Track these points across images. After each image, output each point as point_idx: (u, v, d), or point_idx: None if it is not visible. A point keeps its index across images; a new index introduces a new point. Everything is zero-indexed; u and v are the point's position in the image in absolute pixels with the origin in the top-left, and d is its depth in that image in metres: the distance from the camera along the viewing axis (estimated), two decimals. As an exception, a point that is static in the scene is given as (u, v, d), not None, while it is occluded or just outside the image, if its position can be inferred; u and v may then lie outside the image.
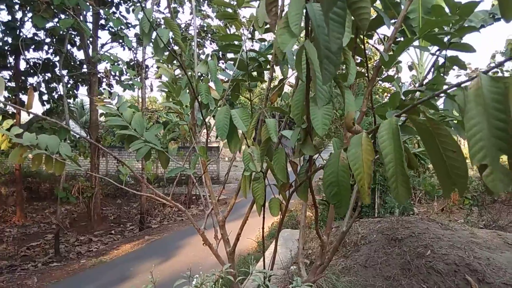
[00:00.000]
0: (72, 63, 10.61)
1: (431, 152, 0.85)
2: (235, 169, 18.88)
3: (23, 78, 9.99)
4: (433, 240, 4.21)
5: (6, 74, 10.07)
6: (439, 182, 0.86)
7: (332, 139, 1.48)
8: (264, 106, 2.16)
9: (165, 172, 2.89)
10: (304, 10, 0.89)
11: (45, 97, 9.97)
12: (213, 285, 1.97)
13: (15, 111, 9.65)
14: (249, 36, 2.41)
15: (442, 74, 1.89)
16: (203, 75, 2.47)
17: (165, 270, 6.17)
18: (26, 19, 8.85)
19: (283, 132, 1.83)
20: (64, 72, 9.54)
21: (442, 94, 1.35)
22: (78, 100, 19.87)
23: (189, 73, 2.24)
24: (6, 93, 9.61)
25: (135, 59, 10.62)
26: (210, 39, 10.96)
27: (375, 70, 1.61)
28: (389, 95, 10.21)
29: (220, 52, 8.38)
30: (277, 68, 2.33)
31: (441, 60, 1.90)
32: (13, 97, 9.66)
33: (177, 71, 2.80)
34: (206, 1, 10.72)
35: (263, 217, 2.19)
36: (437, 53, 1.88)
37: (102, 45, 10.07)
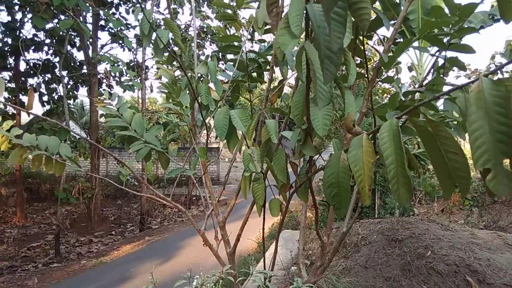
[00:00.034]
0: (72, 64, 10.62)
1: (432, 153, 0.85)
2: (235, 170, 18.88)
3: (23, 79, 9.99)
4: (433, 241, 4.20)
5: (6, 75, 10.10)
6: (440, 184, 0.86)
7: (332, 140, 1.48)
8: (264, 107, 2.16)
9: (165, 173, 2.89)
10: (304, 11, 0.89)
11: (45, 98, 9.99)
12: (214, 286, 1.97)
13: (15, 112, 9.65)
14: (249, 37, 2.41)
15: (441, 75, 1.89)
16: (203, 76, 2.47)
17: (166, 270, 6.16)
18: (26, 20, 8.87)
19: (283, 133, 1.83)
20: (64, 73, 9.54)
21: (439, 98, 1.35)
22: (78, 101, 19.85)
23: (189, 74, 2.24)
24: (6, 94, 9.62)
25: (135, 60, 10.64)
26: (210, 40, 10.98)
27: (375, 71, 1.61)
28: (389, 96, 10.21)
29: (220, 53, 8.39)
30: (277, 69, 2.33)
31: (440, 61, 1.91)
32: (13, 98, 9.66)
33: (177, 72, 2.81)
34: (205, 2, 10.73)
35: (263, 218, 2.19)
36: (437, 54, 1.88)
37: (102, 46, 10.08)
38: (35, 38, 9.30)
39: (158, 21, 8.63)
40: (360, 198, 0.95)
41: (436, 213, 8.45)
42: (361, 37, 1.68)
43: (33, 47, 9.31)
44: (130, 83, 9.29)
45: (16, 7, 8.85)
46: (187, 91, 2.52)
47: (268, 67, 2.36)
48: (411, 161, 1.10)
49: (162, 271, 6.05)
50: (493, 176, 0.64)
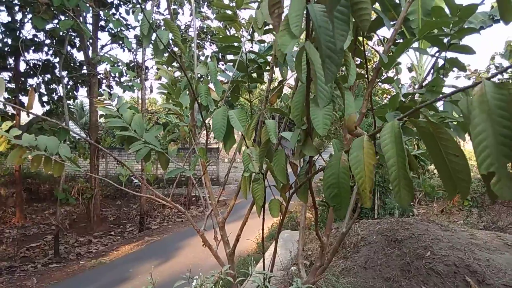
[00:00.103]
0: (72, 65, 10.61)
1: (434, 155, 0.85)
2: (235, 170, 18.87)
3: (22, 79, 9.99)
4: (432, 241, 4.20)
5: (6, 75, 10.09)
6: (443, 185, 0.86)
7: (332, 140, 1.48)
8: (264, 107, 2.16)
9: (165, 173, 2.89)
10: (305, 11, 0.89)
11: (45, 99, 9.98)
12: (213, 286, 1.97)
13: (15, 112, 9.65)
14: (249, 37, 2.41)
15: (441, 76, 1.89)
16: (203, 76, 2.47)
17: (165, 271, 6.16)
18: (26, 20, 8.86)
19: (283, 133, 1.83)
20: (64, 73, 9.54)
21: (441, 100, 1.35)
22: (78, 102, 19.86)
23: (189, 74, 2.24)
24: (6, 94, 9.61)
25: (135, 60, 10.64)
26: (209, 40, 10.98)
27: (375, 71, 1.61)
28: (388, 96, 10.21)
29: (220, 54, 8.39)
30: (276, 70, 2.33)
31: (440, 62, 1.91)
32: (13, 98, 9.66)
33: (177, 73, 2.81)
34: (205, 3, 10.73)
35: (263, 218, 2.19)
36: (437, 54, 1.89)
37: (102, 47, 10.08)
38: (35, 39, 9.29)
39: (158, 21, 8.64)
40: (361, 199, 0.95)
41: (436, 214, 8.45)
42: (361, 38, 1.68)
43: (33, 47, 9.31)
44: (130, 83, 9.29)
45: (16, 8, 8.85)
46: (187, 92, 2.52)
47: (268, 68, 2.36)
48: (411, 162, 1.10)
49: (161, 272, 6.05)
50: (497, 179, 0.64)
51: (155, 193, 2.55)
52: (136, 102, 11.87)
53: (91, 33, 9.27)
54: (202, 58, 7.85)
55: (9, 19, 9.00)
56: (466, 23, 1.71)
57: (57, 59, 9.66)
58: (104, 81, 10.26)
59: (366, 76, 1.73)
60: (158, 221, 11.46)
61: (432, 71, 2.06)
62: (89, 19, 10.08)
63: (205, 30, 10.81)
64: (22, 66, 10.07)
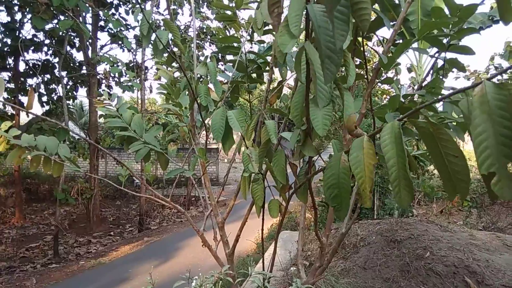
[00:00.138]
0: (71, 65, 10.61)
1: (434, 155, 0.85)
2: (235, 171, 18.88)
3: (22, 79, 9.98)
4: (432, 242, 4.20)
5: (5, 75, 10.08)
6: (443, 185, 0.86)
7: (331, 141, 1.48)
8: (263, 107, 2.16)
9: (165, 173, 2.89)
10: (305, 12, 0.89)
11: (44, 99, 9.97)
12: (213, 287, 1.97)
13: (14, 112, 9.64)
14: (248, 38, 2.41)
15: (441, 76, 1.89)
16: (203, 76, 2.47)
17: (164, 271, 6.16)
18: (25, 20, 8.86)
19: (283, 133, 1.83)
20: (64, 73, 9.53)
21: (441, 100, 1.35)
22: (77, 102, 19.86)
23: (189, 74, 2.24)
24: (5, 94, 9.60)
25: (135, 60, 10.63)
26: (209, 41, 10.99)
27: (374, 72, 1.61)
28: (388, 97, 10.21)
29: (220, 54, 8.39)
30: (276, 70, 2.33)
31: (440, 62, 1.91)
32: (12, 98, 9.65)
33: (177, 73, 2.81)
34: (205, 3, 10.73)
35: (263, 219, 2.19)
36: (436, 55, 1.89)
37: (102, 47, 10.07)
38: (35, 39, 9.29)
39: (158, 21, 8.63)
40: (361, 199, 0.95)
41: (435, 214, 8.46)
42: (360, 38, 1.68)
43: (33, 47, 9.30)
44: (130, 83, 9.29)
45: (16, 8, 8.84)
46: (187, 92, 2.51)
47: (267, 68, 2.36)
48: (410, 162, 1.10)
49: (161, 272, 6.05)
50: (498, 180, 0.64)
51: (155, 193, 2.55)
52: (135, 102, 11.87)
53: (90, 33, 9.27)
54: (202, 58, 7.85)
55: (9, 19, 9.00)
56: (465, 23, 1.71)
57: (56, 59, 9.65)
58: (103, 81, 10.25)
59: (365, 76, 1.73)
60: (158, 221, 11.46)
61: (431, 72, 2.06)
62: (89, 19, 10.09)
63: (204, 31, 10.82)
64: (22, 66, 10.08)
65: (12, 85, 9.92)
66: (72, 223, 11.05)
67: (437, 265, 3.74)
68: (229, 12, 2.31)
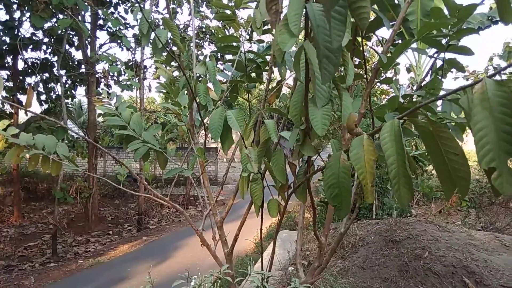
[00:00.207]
0: (70, 63, 10.59)
1: (433, 154, 0.85)
2: (233, 170, 18.89)
3: (21, 78, 9.96)
4: (430, 242, 4.21)
5: (4, 74, 10.06)
6: (441, 184, 0.86)
7: (330, 141, 1.48)
8: (263, 107, 2.16)
9: (163, 172, 2.88)
10: (304, 11, 0.89)
11: (43, 97, 9.96)
12: (212, 286, 1.97)
13: (13, 111, 9.62)
14: (247, 37, 2.41)
15: (440, 77, 1.89)
16: (202, 76, 2.47)
17: (163, 271, 6.16)
18: (24, 18, 8.83)
19: (282, 133, 1.83)
20: (62, 72, 9.52)
21: (441, 99, 1.35)
22: (76, 100, 19.83)
23: (188, 74, 2.24)
24: (4, 93, 9.58)
25: (134, 59, 10.62)
26: (208, 40, 10.98)
27: (374, 72, 1.61)
28: (387, 97, 10.21)
29: (219, 53, 8.38)
30: (275, 70, 2.33)
31: (439, 63, 1.91)
32: (11, 97, 9.63)
33: (176, 72, 2.80)
34: (204, 2, 10.72)
35: (261, 218, 2.19)
36: (435, 55, 1.89)
37: (101, 45, 10.04)
38: (33, 37, 9.26)
39: (157, 20, 8.63)
40: (360, 199, 0.95)
41: (434, 214, 8.47)
42: (359, 38, 1.68)
43: (31, 46, 9.28)
44: (128, 82, 9.27)
45: (15, 6, 8.83)
46: (186, 91, 2.51)
47: (266, 68, 2.36)
48: (409, 162, 1.10)
49: (160, 271, 6.04)
50: (498, 175, 0.64)
51: (154, 192, 2.55)
52: (134, 101, 11.85)
53: (89, 32, 9.26)
54: (201, 57, 7.85)
55: (7, 17, 8.99)
56: (464, 23, 1.72)
57: (55, 58, 9.63)
58: (102, 80, 10.24)
59: (364, 76, 1.73)
60: (156, 220, 11.45)
61: (430, 72, 2.06)
62: (88, 17, 10.07)
63: (204, 30, 10.81)
64: (20, 65, 10.07)
65: (10, 84, 9.89)
66: (70, 222, 11.04)
67: (436, 265, 3.74)
68: (228, 12, 2.30)
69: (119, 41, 9.92)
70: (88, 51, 9.84)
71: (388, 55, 1.62)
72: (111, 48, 18.99)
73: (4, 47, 9.13)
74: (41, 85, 9.90)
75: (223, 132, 1.80)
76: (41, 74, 9.73)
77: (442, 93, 1.64)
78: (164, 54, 2.29)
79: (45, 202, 13.42)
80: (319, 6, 0.85)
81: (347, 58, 1.50)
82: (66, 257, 8.00)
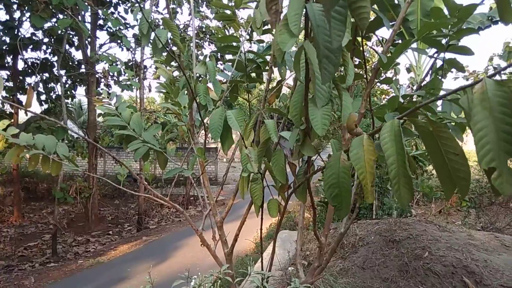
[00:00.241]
0: (70, 63, 10.59)
1: (433, 154, 0.85)
2: (233, 170, 18.88)
3: (21, 78, 9.96)
4: (430, 242, 4.21)
5: (4, 74, 10.06)
6: (441, 184, 0.86)
7: (330, 141, 1.48)
8: (262, 107, 2.16)
9: (163, 172, 2.88)
10: (304, 10, 0.89)
11: (43, 97, 9.96)
12: (211, 286, 1.97)
13: (13, 111, 9.62)
14: (247, 37, 2.41)
15: (440, 77, 1.89)
16: (202, 76, 2.47)
17: (163, 271, 6.15)
18: (24, 18, 8.83)
19: (282, 133, 1.83)
20: (62, 72, 9.51)
21: (441, 99, 1.35)
22: (76, 100, 19.82)
23: (188, 74, 2.24)
24: (4, 93, 9.58)
25: (134, 59, 10.62)
26: (208, 40, 10.98)
27: (374, 72, 1.61)
28: (387, 97, 10.21)
29: (219, 53, 8.38)
30: (275, 70, 2.33)
31: (439, 62, 1.91)
32: (11, 97, 9.63)
33: (176, 72, 2.80)
34: (204, 2, 10.72)
35: (261, 218, 2.19)
36: (435, 55, 1.89)
37: (101, 46, 10.04)
38: (33, 37, 9.26)
39: (157, 20, 8.62)
40: (360, 199, 0.95)
41: (434, 214, 8.47)
42: (359, 38, 1.68)
43: (31, 46, 9.28)
44: (128, 82, 9.27)
45: (15, 6, 8.82)
46: (186, 91, 2.51)
47: (266, 68, 2.36)
48: (409, 162, 1.10)
49: (160, 271, 6.04)
50: (498, 174, 0.64)
51: (154, 192, 2.55)
52: (134, 101, 11.85)
53: (89, 32, 9.26)
54: (201, 57, 7.84)
55: (8, 17, 8.99)
56: (464, 23, 1.72)
57: (55, 58, 9.63)
58: (102, 80, 10.24)
59: (364, 76, 1.73)
60: (156, 220, 11.45)
61: (430, 72, 2.06)
62: (88, 17, 10.06)
63: (204, 30, 10.81)
64: (20, 65, 10.06)
65: (10, 84, 9.89)
66: (70, 222, 11.04)
67: (436, 265, 3.74)
68: (228, 12, 2.30)
69: (119, 41, 9.92)
70: (88, 51, 9.84)
71: (388, 55, 1.62)
72: (111, 48, 19.00)
73: (4, 47, 9.12)
74: (41, 85, 9.90)
75: (223, 132, 1.80)
76: (41, 74, 9.73)
77: (442, 93, 1.64)
78: (164, 54, 2.29)
79: (45, 202, 13.42)
80: (319, 6, 0.85)
81: (347, 58, 1.50)
82: (66, 257, 8.00)
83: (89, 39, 9.74)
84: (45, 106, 10.12)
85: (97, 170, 15.93)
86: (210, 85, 2.30)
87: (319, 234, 2.09)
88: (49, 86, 10.07)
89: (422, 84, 1.99)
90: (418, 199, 9.74)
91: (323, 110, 1.23)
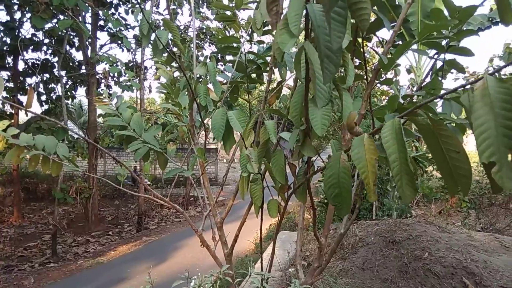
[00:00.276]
0: (70, 64, 10.60)
1: (434, 152, 0.86)
2: (233, 171, 18.87)
3: (21, 78, 9.97)
4: (430, 242, 4.21)
5: (5, 74, 10.07)
6: (444, 182, 0.87)
7: (330, 141, 1.48)
8: (263, 108, 2.16)
9: (163, 173, 2.88)
10: (304, 11, 0.89)
11: (43, 98, 9.96)
12: (211, 287, 1.97)
13: (13, 111, 9.62)
14: (248, 38, 2.41)
15: (440, 78, 1.89)
16: (202, 76, 2.47)
17: (163, 271, 6.15)
18: (25, 19, 8.84)
19: (282, 134, 1.83)
20: (63, 73, 9.52)
21: (442, 97, 1.35)
22: (76, 101, 19.86)
23: (188, 74, 2.24)
24: (4, 94, 9.59)
25: (134, 60, 10.63)
26: (209, 41, 10.99)
27: (374, 73, 1.61)
28: (387, 98, 10.21)
29: (219, 54, 8.39)
30: (275, 71, 2.33)
31: (439, 64, 1.91)
32: (12, 97, 9.63)
33: (176, 73, 2.80)
34: (205, 3, 10.73)
35: (261, 219, 2.19)
36: (436, 56, 1.89)
37: (101, 46, 10.05)
38: (34, 38, 9.27)
39: (158, 21, 8.63)
40: (360, 200, 0.96)
41: (434, 215, 8.46)
42: (360, 39, 1.68)
43: (32, 46, 9.29)
44: (129, 83, 9.28)
45: (15, 7, 8.83)
46: (186, 92, 2.51)
47: (267, 69, 2.36)
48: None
49: (160, 272, 6.04)
50: (499, 169, 0.65)
51: (154, 193, 2.55)
52: (134, 102, 11.86)
53: (90, 33, 9.27)
54: (201, 58, 7.85)
55: (8, 18, 8.99)
56: (465, 25, 1.72)
57: (56, 59, 9.64)
58: (102, 80, 10.25)
59: (365, 77, 1.73)
60: (156, 221, 11.45)
61: (430, 73, 2.06)
62: (88, 18, 10.08)
63: (204, 31, 10.82)
64: (21, 65, 10.05)
65: (11, 84, 9.90)
66: (70, 223, 11.04)
67: (435, 266, 3.74)
68: (228, 13, 2.30)
69: (119, 42, 9.93)
70: (89, 52, 9.85)
71: (388, 56, 1.62)
72: (112, 49, 18.98)
73: (4, 48, 9.14)
74: (41, 85, 9.91)
75: (225, 133, 1.81)
76: (41, 74, 9.73)
77: (442, 92, 1.65)
78: (165, 55, 2.29)
79: (45, 203, 13.42)
80: (319, 7, 0.86)
81: (348, 59, 1.50)
82: (65, 258, 8.00)
83: (89, 40, 9.75)
84: (46, 106, 10.12)
85: (97, 171, 15.94)
86: (210, 86, 2.31)
87: (319, 235, 2.09)
88: (50, 86, 10.08)
89: (422, 85, 1.99)
90: (418, 200, 9.74)
91: (323, 110, 1.23)
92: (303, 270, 2.84)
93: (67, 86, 10.54)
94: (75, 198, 9.95)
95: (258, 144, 1.89)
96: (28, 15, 8.30)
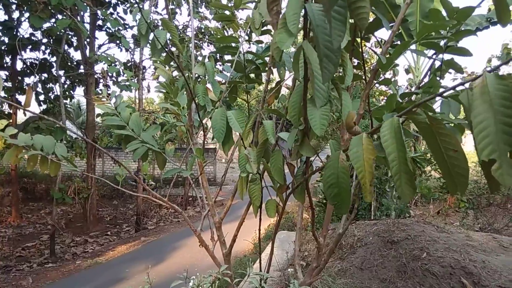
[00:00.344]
0: (69, 64, 10.58)
1: (434, 151, 0.86)
2: (232, 171, 18.88)
3: (19, 78, 9.95)
4: (429, 242, 4.21)
5: (3, 74, 10.06)
6: (444, 180, 0.87)
7: (329, 141, 1.48)
8: (261, 108, 2.16)
9: (162, 173, 2.88)
10: (303, 11, 0.89)
11: (41, 98, 9.95)
12: (210, 287, 1.97)
13: (11, 111, 9.60)
14: (246, 38, 2.41)
15: (438, 78, 1.89)
16: (201, 76, 2.47)
17: (161, 271, 6.15)
18: (23, 19, 8.83)
19: (280, 134, 1.83)
20: (61, 72, 9.51)
21: (440, 97, 1.35)
22: (74, 101, 19.81)
23: (187, 74, 2.24)
24: (2, 93, 9.56)
25: (132, 60, 10.62)
26: (207, 40, 10.98)
27: (372, 73, 1.61)
28: (385, 98, 10.23)
29: (218, 54, 8.38)
30: (274, 71, 2.33)
31: (437, 64, 1.91)
32: (10, 97, 9.61)
33: (175, 72, 2.80)
34: (203, 3, 10.72)
35: (260, 219, 2.19)
36: (434, 56, 1.89)
37: (99, 46, 10.04)
38: (32, 37, 9.26)
39: (156, 21, 8.62)
40: (358, 200, 0.96)
41: (432, 215, 8.48)
42: (358, 39, 1.68)
43: (30, 46, 9.28)
44: (127, 83, 9.27)
45: (14, 6, 8.82)
46: (184, 92, 2.51)
47: (265, 68, 2.36)
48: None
49: (158, 272, 6.04)
50: (499, 166, 0.65)
51: (152, 193, 2.54)
52: (133, 101, 11.85)
53: (88, 32, 9.25)
54: (200, 58, 7.85)
55: (6, 17, 8.98)
56: (463, 25, 1.72)
57: (54, 58, 9.63)
58: (101, 80, 10.23)
59: (363, 77, 1.73)
60: (155, 221, 11.44)
61: (429, 73, 2.06)
62: (87, 18, 10.06)
63: (203, 31, 10.81)
64: (19, 65, 10.03)
65: (9, 84, 9.88)
66: (68, 223, 11.02)
67: (434, 266, 3.75)
68: (227, 12, 2.30)
69: (118, 42, 9.92)
70: (87, 51, 9.83)
71: (387, 56, 1.62)
72: (110, 48, 19.03)
73: (3, 47, 9.11)
74: (39, 85, 9.89)
75: (225, 134, 1.81)
76: (40, 74, 9.72)
77: (441, 90, 1.65)
78: (163, 54, 2.29)
79: (43, 203, 13.40)
80: (318, 6, 0.86)
81: (346, 58, 1.50)
82: (64, 258, 7.98)
83: (88, 40, 9.74)
84: (44, 106, 10.11)
85: (96, 171, 15.89)
86: (209, 85, 2.30)
87: (318, 235, 2.09)
88: (48, 86, 10.07)
89: (420, 85, 1.99)
90: (417, 200, 9.75)
91: (322, 110, 1.23)
92: (302, 270, 2.84)
93: (66, 86, 10.53)
94: (74, 198, 9.94)
95: (256, 144, 1.89)
96: (26, 14, 8.28)
